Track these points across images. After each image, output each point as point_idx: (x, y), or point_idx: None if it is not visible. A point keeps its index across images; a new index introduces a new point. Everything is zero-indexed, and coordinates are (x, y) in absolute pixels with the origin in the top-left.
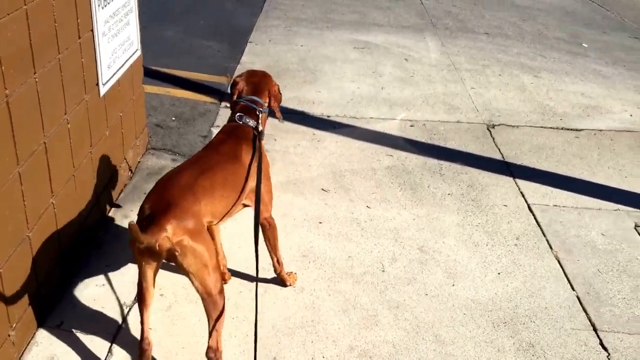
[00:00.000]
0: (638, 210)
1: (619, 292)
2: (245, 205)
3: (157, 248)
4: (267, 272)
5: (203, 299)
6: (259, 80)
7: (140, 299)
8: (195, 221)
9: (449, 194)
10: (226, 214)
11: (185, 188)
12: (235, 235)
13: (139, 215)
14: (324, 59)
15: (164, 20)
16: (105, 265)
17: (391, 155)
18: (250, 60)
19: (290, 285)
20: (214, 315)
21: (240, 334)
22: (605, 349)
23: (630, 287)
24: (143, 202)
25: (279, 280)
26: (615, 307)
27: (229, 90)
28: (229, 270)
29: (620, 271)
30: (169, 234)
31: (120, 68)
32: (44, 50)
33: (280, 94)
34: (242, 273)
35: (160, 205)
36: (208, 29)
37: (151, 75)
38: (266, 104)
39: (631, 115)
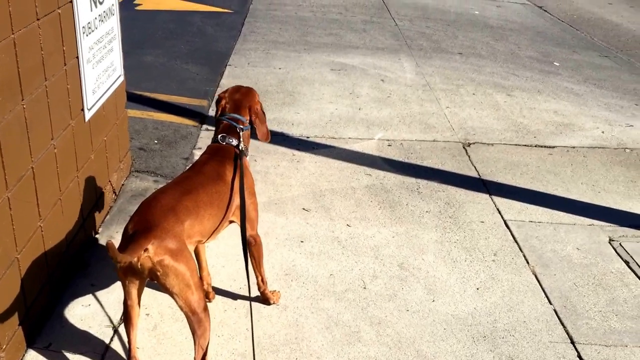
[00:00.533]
0: (612, 224)
1: (595, 305)
2: (232, 222)
3: (139, 267)
4: (251, 290)
5: (188, 318)
6: (242, 97)
7: (127, 318)
8: (177, 241)
9: (427, 212)
10: (214, 231)
11: (168, 209)
12: (219, 254)
13: (123, 236)
14: (302, 80)
15: (145, 46)
16: (91, 285)
17: (370, 175)
18: (230, 82)
19: (273, 303)
20: (199, 333)
21: (226, 352)
22: None
23: (606, 300)
24: (127, 224)
25: (263, 299)
26: (592, 319)
27: (211, 110)
28: (214, 288)
29: (595, 284)
30: (150, 254)
31: (104, 93)
32: (31, 78)
33: (263, 111)
34: (227, 291)
35: (142, 226)
36: (188, 54)
37: (134, 99)
38: (247, 122)
39: (603, 132)
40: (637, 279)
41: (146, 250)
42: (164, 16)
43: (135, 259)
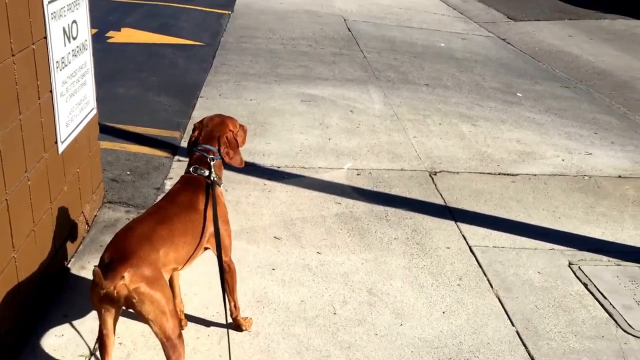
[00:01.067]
0: (571, 249)
1: (555, 326)
2: (206, 248)
3: (115, 295)
4: (223, 317)
5: (162, 344)
6: (213, 128)
7: (102, 346)
8: (152, 269)
9: (395, 239)
10: (189, 259)
11: (143, 238)
12: (191, 282)
13: (99, 265)
14: (273, 111)
15: (117, 78)
16: (64, 315)
17: (339, 203)
18: (201, 114)
19: (245, 329)
20: (174, 359)
21: None
22: None
23: (566, 321)
24: (103, 253)
25: (235, 325)
26: (552, 340)
27: (183, 141)
28: (187, 316)
29: (556, 307)
30: (127, 282)
31: (77, 126)
32: (6, 112)
33: (235, 139)
34: (200, 318)
35: (118, 255)
36: (160, 86)
37: (107, 131)
38: (217, 152)
39: (563, 160)
40: (595, 300)
41: (122, 278)
42: (136, 49)
43: (112, 287)
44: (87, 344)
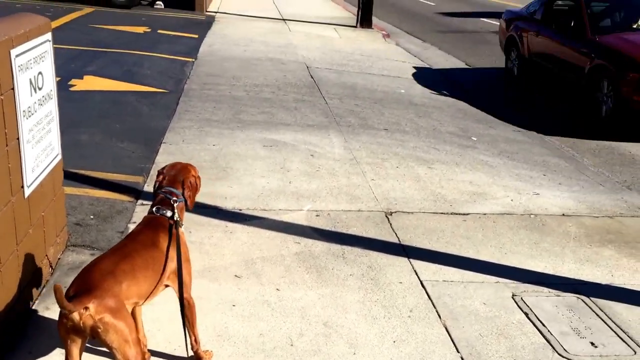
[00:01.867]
0: (515, 281)
1: (497, 352)
2: (167, 285)
3: (81, 325)
4: (184, 351)
5: None
6: (177, 173)
7: None
8: (116, 300)
9: (350, 275)
10: (150, 294)
11: (106, 272)
12: (154, 319)
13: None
14: (235, 156)
15: (80, 125)
16: (29, 352)
17: (299, 243)
18: (165, 159)
19: None
20: None
21: None
22: None
23: (506, 347)
24: (68, 288)
25: (196, 358)
26: None
27: (146, 186)
28: (150, 351)
29: (498, 334)
30: (92, 312)
31: (43, 171)
32: None
33: (197, 184)
34: (163, 353)
35: (83, 288)
36: (124, 132)
37: (71, 177)
38: (181, 195)
39: (512, 200)
40: (535, 328)
41: (87, 308)
42: (99, 96)
43: (78, 317)
44: None
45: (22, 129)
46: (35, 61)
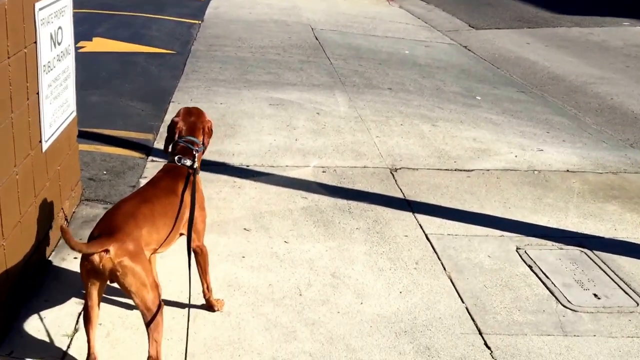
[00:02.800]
0: (519, 235)
1: (501, 303)
2: (182, 234)
3: (101, 268)
4: (197, 300)
5: (143, 314)
6: (195, 120)
7: (86, 317)
8: (135, 244)
9: (357, 228)
10: (166, 241)
11: (128, 215)
12: (166, 271)
13: (89, 239)
14: (243, 114)
15: (90, 86)
16: (45, 300)
17: (306, 198)
18: None
19: (218, 310)
20: (153, 327)
21: (176, 352)
22: (488, 347)
23: (511, 298)
24: (93, 230)
25: (208, 306)
26: (498, 314)
27: (156, 143)
28: (163, 300)
29: (502, 286)
30: (112, 255)
31: (59, 127)
32: (1, 110)
33: (210, 129)
34: (175, 302)
35: (105, 230)
36: (133, 92)
37: (83, 135)
38: (201, 143)
39: (516, 156)
40: (538, 280)
41: (107, 251)
42: (108, 57)
43: (98, 260)
44: (64, 327)
45: (42, 84)
46: (55, 15)
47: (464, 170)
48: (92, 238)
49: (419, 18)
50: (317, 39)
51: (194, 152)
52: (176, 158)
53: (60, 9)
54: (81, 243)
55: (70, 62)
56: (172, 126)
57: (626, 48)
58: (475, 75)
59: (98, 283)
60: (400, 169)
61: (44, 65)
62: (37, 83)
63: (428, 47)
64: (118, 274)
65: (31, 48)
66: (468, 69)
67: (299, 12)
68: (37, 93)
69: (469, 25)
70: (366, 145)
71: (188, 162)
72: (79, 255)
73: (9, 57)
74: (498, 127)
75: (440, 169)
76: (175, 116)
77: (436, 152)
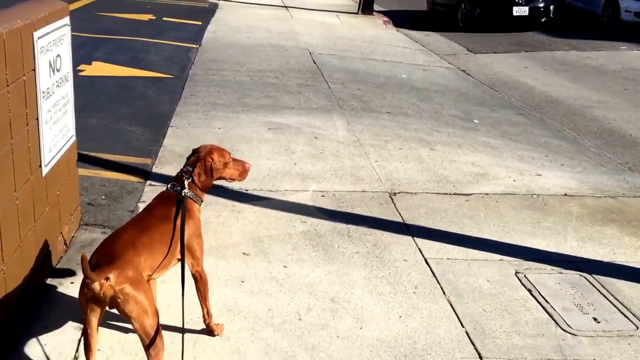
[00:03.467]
0: (518, 259)
1: (501, 327)
2: (179, 260)
3: (101, 295)
4: (197, 324)
5: (143, 341)
6: (199, 154)
7: (86, 345)
8: (135, 271)
9: (356, 253)
10: (164, 267)
11: (127, 243)
12: (165, 296)
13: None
14: (241, 139)
15: (90, 110)
16: (44, 327)
17: (305, 222)
18: (172, 142)
19: (217, 334)
20: (153, 353)
21: None
22: None
23: (510, 322)
24: (90, 256)
25: (208, 330)
26: (498, 338)
27: (155, 167)
28: (162, 325)
29: (502, 310)
30: (112, 282)
31: (59, 151)
32: (1, 136)
33: (212, 168)
34: (174, 327)
35: (104, 258)
36: (132, 116)
37: (82, 159)
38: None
39: (514, 180)
40: (538, 304)
41: (108, 279)
42: (107, 82)
43: (98, 287)
44: (64, 352)
45: (41, 110)
46: (54, 44)
47: (463, 195)
48: (90, 265)
49: (416, 42)
50: (315, 62)
51: (184, 179)
52: (169, 185)
53: (59, 37)
54: (93, 274)
55: (69, 88)
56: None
57: (624, 72)
58: (474, 98)
59: (98, 310)
60: (399, 193)
61: (43, 92)
62: (37, 109)
63: (426, 70)
64: (119, 300)
65: (30, 75)
66: (466, 93)
67: (296, 36)
68: (37, 119)
69: (467, 50)
70: (365, 170)
71: (179, 189)
72: (77, 280)
73: (7, 85)
74: (496, 151)
75: (439, 193)
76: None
77: (435, 176)
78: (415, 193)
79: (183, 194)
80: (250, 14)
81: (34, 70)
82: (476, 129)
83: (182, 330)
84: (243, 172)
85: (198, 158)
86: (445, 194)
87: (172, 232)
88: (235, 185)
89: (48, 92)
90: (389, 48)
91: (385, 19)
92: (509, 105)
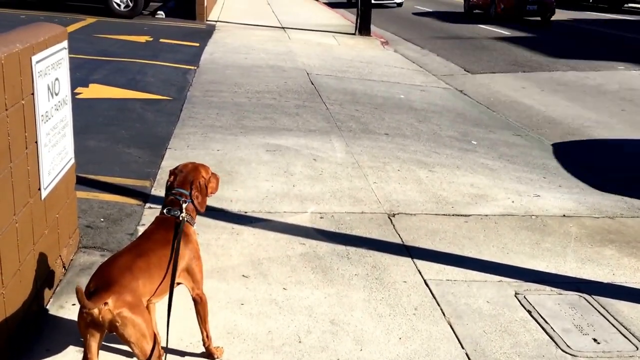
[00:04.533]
0: (518, 280)
1: (501, 348)
2: (179, 284)
3: (100, 319)
4: (197, 347)
5: None
6: (187, 174)
7: None
8: (133, 296)
9: (355, 275)
10: (162, 290)
11: (124, 268)
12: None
13: (85, 292)
14: (239, 161)
15: (88, 132)
16: (46, 350)
17: (304, 244)
18: (171, 164)
19: (217, 358)
20: None
21: None
22: None
23: (510, 344)
24: (88, 282)
25: (207, 353)
26: None
27: (153, 190)
28: (162, 348)
29: (502, 331)
30: (110, 307)
31: (58, 174)
32: (0, 161)
33: (206, 187)
34: (174, 349)
35: (102, 283)
36: (130, 138)
37: (80, 182)
38: (189, 195)
39: (513, 202)
40: (538, 325)
41: (106, 303)
42: (105, 104)
43: (97, 312)
44: None
45: (40, 133)
46: (52, 67)
47: (462, 216)
48: (88, 291)
49: (414, 62)
50: (312, 83)
51: (181, 203)
52: (165, 210)
53: (57, 61)
54: (90, 302)
55: (67, 111)
56: (167, 181)
57: (622, 92)
58: (471, 119)
59: (97, 335)
60: (398, 214)
61: (42, 115)
62: (36, 132)
63: (424, 91)
64: (117, 324)
65: (29, 99)
66: (464, 113)
67: (294, 57)
68: (36, 142)
69: (464, 70)
70: (364, 191)
71: (178, 213)
72: (78, 303)
73: (7, 109)
74: (494, 173)
75: (438, 214)
76: (173, 169)
77: (434, 197)
78: (415, 214)
79: (181, 218)
80: (247, 35)
81: (33, 94)
82: (474, 150)
83: (166, 351)
84: (217, 184)
85: (187, 179)
86: (444, 215)
87: (169, 256)
88: (234, 207)
89: (47, 116)
90: (387, 69)
91: (383, 39)
92: (506, 126)
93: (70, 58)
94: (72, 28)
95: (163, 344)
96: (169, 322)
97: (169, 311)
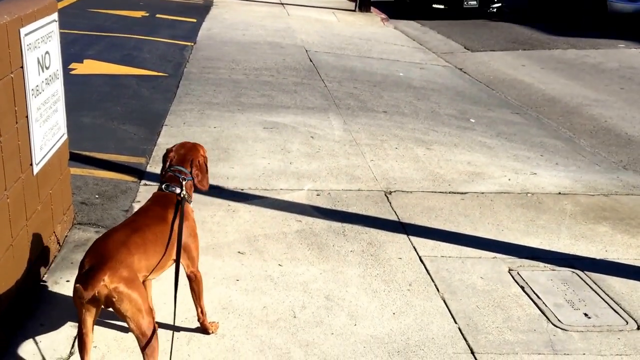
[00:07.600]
0: (512, 257)
1: (493, 323)
2: (174, 260)
3: (97, 294)
4: (192, 322)
5: (138, 339)
6: (186, 152)
7: (81, 344)
8: (129, 271)
9: (351, 251)
10: (158, 267)
11: (120, 243)
12: (160, 293)
13: (79, 269)
14: (236, 138)
15: (82, 108)
16: (41, 325)
17: (300, 221)
18: (167, 141)
19: (212, 332)
20: (149, 353)
21: None
22: None
23: (502, 319)
24: (83, 258)
25: (203, 329)
26: (490, 334)
27: (149, 167)
28: (157, 323)
29: (494, 306)
30: (106, 282)
31: (50, 150)
32: None
33: (206, 164)
34: (168, 324)
35: (97, 259)
36: (125, 115)
37: (75, 158)
38: (189, 173)
39: (509, 180)
40: (530, 300)
41: (102, 280)
42: (100, 80)
43: (95, 291)
44: (59, 350)
45: (30, 107)
46: (42, 40)
47: (458, 193)
48: (83, 267)
49: (414, 40)
50: (311, 60)
51: (181, 180)
52: (164, 186)
53: (47, 34)
54: (88, 291)
55: (59, 86)
56: (164, 156)
57: (621, 70)
58: (470, 97)
59: (93, 310)
60: (394, 191)
61: (32, 89)
62: (26, 107)
63: (423, 69)
64: (114, 300)
65: (18, 73)
66: (463, 91)
67: (293, 34)
68: (26, 116)
69: (464, 48)
70: (361, 169)
71: (177, 190)
72: (72, 279)
73: None
74: (492, 151)
75: (435, 192)
76: (170, 147)
77: (430, 175)
78: (411, 192)
79: (182, 195)
80: (246, 11)
81: (22, 67)
82: (472, 128)
83: (173, 328)
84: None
85: (186, 157)
86: (440, 192)
87: (168, 233)
88: (230, 185)
89: (37, 90)
90: (386, 46)
91: (383, 16)
92: (505, 104)
93: (64, 33)
94: (66, 2)
95: (166, 320)
96: (176, 297)
97: (176, 287)
